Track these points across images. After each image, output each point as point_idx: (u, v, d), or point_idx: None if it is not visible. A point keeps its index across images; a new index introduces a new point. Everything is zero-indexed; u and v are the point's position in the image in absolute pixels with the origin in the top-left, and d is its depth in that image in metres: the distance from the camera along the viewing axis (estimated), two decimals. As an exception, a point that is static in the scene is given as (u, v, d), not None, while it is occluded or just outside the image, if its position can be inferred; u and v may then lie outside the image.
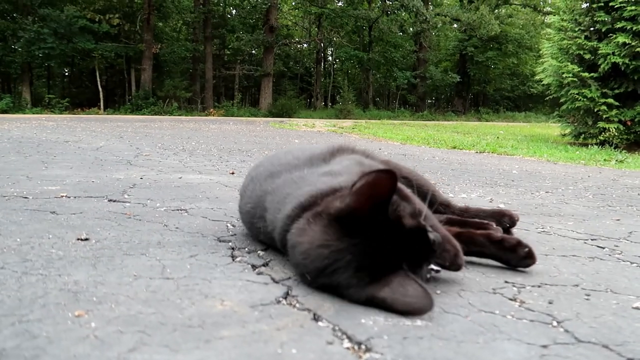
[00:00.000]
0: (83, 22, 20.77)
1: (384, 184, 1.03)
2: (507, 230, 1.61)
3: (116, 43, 22.64)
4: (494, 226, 1.53)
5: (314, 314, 1.00)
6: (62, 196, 2.22)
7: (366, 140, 8.52)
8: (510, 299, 1.15)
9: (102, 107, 21.74)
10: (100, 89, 22.28)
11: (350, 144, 1.70)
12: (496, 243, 1.38)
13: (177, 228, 1.71)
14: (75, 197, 2.21)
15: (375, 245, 1.05)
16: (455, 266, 1.21)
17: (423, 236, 1.09)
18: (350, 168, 1.41)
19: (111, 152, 4.57)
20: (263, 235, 1.44)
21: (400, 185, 1.26)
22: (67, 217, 1.80)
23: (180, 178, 3.04)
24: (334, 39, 29.31)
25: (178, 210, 2.05)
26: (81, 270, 1.20)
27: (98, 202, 2.12)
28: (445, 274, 1.24)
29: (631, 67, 8.00)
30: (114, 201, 2.17)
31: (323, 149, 1.60)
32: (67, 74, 28.21)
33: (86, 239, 1.49)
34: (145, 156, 4.32)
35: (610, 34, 8.30)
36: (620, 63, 8.02)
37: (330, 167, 1.44)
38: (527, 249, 1.35)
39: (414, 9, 25.49)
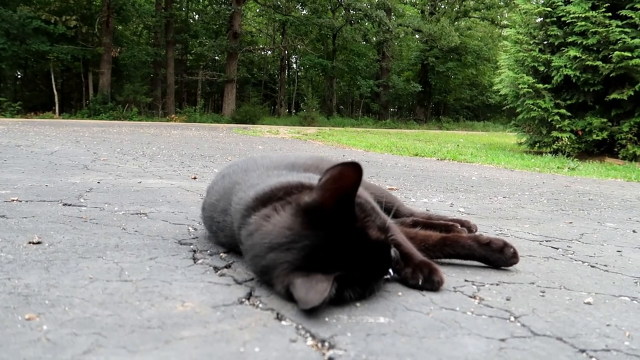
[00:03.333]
0: (37, 23, 20.00)
1: (348, 176, 1.03)
2: None
3: (73, 45, 21.89)
4: (459, 227, 1.59)
5: (277, 314, 0.99)
6: (13, 200, 2.12)
7: (330, 147, 8.56)
8: (470, 297, 1.17)
9: (57, 111, 20.96)
10: (55, 92, 21.49)
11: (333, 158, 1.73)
12: (485, 245, 1.41)
13: (136, 231, 1.66)
14: (27, 201, 2.12)
15: (334, 243, 1.04)
16: (430, 284, 1.19)
17: (385, 251, 1.11)
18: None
19: (67, 156, 4.41)
20: (222, 233, 1.41)
21: (369, 199, 1.28)
22: (17, 220, 1.72)
23: (139, 182, 2.97)
24: (298, 46, 29.47)
25: (137, 214, 1.99)
26: (33, 274, 1.15)
27: (52, 206, 2.03)
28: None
29: (582, 79, 8.39)
30: (69, 205, 2.09)
31: (307, 158, 1.61)
32: (19, 76, 27.05)
33: (38, 243, 1.42)
34: (103, 161, 4.19)
35: (563, 48, 8.70)
36: (572, 75, 8.40)
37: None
38: (512, 249, 1.41)
39: (377, 19, 25.93)
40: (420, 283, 1.19)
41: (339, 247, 1.04)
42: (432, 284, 1.19)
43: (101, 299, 1.01)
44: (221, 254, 1.42)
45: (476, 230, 1.72)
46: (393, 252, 1.14)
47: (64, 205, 2.09)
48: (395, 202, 1.75)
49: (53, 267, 1.20)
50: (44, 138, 6.84)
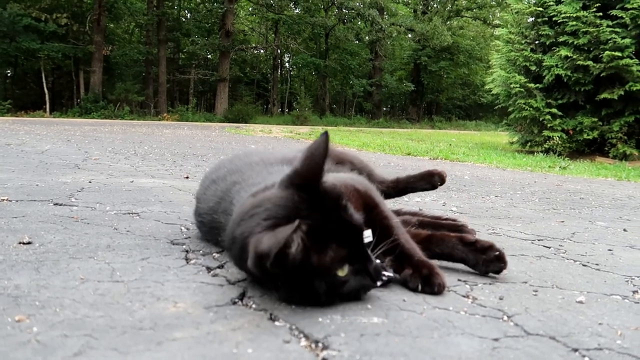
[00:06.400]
0: (28, 20, 19.80)
1: (317, 144, 1.09)
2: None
3: (64, 43, 21.66)
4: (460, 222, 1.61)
5: (271, 314, 0.99)
6: (3, 200, 2.09)
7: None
8: (464, 296, 1.18)
9: (48, 110, 20.76)
10: (46, 91, 21.28)
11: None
12: (469, 245, 1.34)
13: (128, 231, 1.65)
14: (17, 201, 2.09)
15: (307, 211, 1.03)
16: (429, 287, 1.16)
17: (357, 233, 1.06)
18: None
19: (57, 155, 4.37)
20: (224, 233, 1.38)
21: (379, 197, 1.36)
22: (7, 220, 1.70)
23: (131, 182, 2.94)
24: (291, 45, 29.34)
25: (129, 213, 1.97)
26: (22, 274, 1.13)
27: (42, 206, 2.01)
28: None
29: (573, 79, 8.45)
30: (60, 205, 2.07)
31: (296, 151, 1.58)
32: (9, 74, 26.73)
33: (29, 243, 1.41)
34: (94, 160, 4.15)
35: (554, 47, 8.75)
36: (563, 75, 8.46)
37: None
38: (498, 252, 1.31)
39: (370, 18, 25.92)
40: (419, 288, 1.16)
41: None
42: (431, 287, 1.16)
43: (92, 300, 1.00)
44: (214, 254, 1.41)
45: (445, 176, 1.82)
46: (368, 233, 1.10)
47: (54, 204, 2.07)
48: (366, 167, 1.81)
49: (43, 268, 1.19)
50: (34, 137, 6.78)
